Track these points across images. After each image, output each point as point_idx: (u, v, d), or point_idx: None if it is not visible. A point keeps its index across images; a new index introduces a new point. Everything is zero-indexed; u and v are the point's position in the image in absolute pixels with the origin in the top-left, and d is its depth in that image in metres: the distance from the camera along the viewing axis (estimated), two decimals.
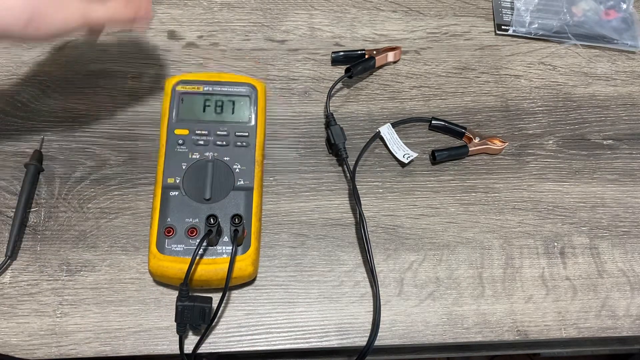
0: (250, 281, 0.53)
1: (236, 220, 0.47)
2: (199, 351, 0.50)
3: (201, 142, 0.53)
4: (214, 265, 0.49)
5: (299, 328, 0.51)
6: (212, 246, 0.50)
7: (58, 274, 0.52)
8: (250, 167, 0.53)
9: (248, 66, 0.63)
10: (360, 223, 0.54)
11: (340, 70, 0.64)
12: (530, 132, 0.63)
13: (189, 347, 0.49)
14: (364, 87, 0.64)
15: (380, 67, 0.64)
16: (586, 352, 0.91)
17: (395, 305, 0.53)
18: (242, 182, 0.52)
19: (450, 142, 0.61)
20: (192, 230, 0.50)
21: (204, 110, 0.55)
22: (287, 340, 0.51)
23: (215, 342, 0.50)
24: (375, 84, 0.64)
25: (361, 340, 0.51)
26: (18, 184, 0.54)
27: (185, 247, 0.49)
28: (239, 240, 0.49)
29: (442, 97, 0.63)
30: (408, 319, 0.53)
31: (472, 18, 0.69)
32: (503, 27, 0.68)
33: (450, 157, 0.60)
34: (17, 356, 0.49)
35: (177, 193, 0.51)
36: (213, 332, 0.51)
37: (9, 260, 0.51)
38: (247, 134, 0.54)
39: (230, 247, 0.49)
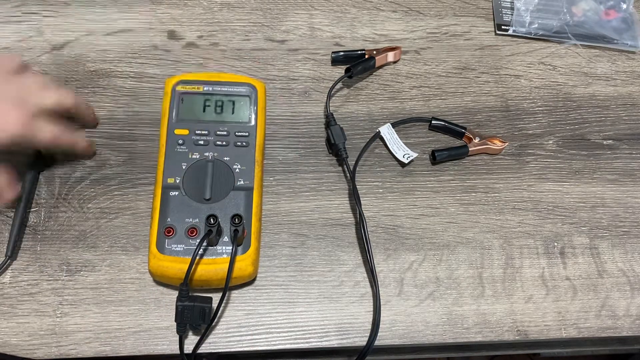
0: (250, 281, 0.53)
1: (236, 220, 0.47)
2: (199, 351, 0.50)
3: (201, 142, 0.53)
4: (214, 265, 0.49)
5: (299, 328, 0.51)
6: (212, 246, 0.50)
7: (58, 274, 0.52)
8: (250, 167, 0.53)
9: (248, 66, 0.63)
10: (360, 223, 0.54)
11: (340, 70, 0.64)
12: (530, 132, 0.63)
13: (189, 347, 0.49)
14: (364, 87, 0.64)
15: (380, 67, 0.65)
16: (586, 352, 0.91)
17: (395, 305, 0.53)
18: (242, 182, 0.52)
19: (450, 142, 0.61)
20: (192, 230, 0.50)
21: (204, 110, 0.55)
22: (287, 340, 0.51)
23: (215, 342, 0.50)
24: (375, 84, 0.64)
25: (361, 340, 0.51)
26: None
27: (185, 247, 0.49)
28: (239, 240, 0.49)
29: (442, 97, 0.63)
30: (408, 319, 0.53)
31: (472, 18, 0.69)
32: (503, 27, 0.68)
33: (450, 157, 0.60)
34: (17, 356, 0.49)
35: (177, 193, 0.51)
36: (213, 332, 0.51)
37: (9, 260, 0.51)
38: (247, 134, 0.54)
39: (230, 247, 0.49)
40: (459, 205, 0.58)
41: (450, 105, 0.63)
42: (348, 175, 0.57)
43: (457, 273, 0.55)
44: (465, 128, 0.60)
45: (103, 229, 0.54)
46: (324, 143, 0.60)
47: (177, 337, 0.49)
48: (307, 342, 0.51)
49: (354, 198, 0.55)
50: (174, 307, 0.48)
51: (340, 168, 0.59)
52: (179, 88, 0.55)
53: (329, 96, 0.60)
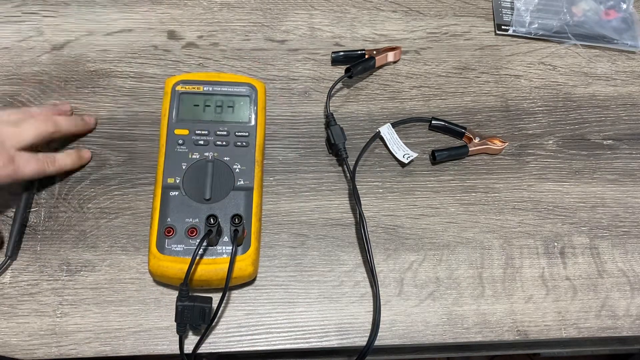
0: (250, 281, 0.53)
1: (236, 220, 0.47)
2: (199, 351, 0.50)
3: (201, 142, 0.53)
4: (214, 265, 0.49)
5: (299, 328, 0.51)
6: (212, 246, 0.50)
7: (58, 274, 0.52)
8: (250, 167, 0.53)
9: (248, 66, 0.63)
10: (360, 223, 0.54)
11: (340, 70, 0.64)
12: (530, 132, 0.63)
13: (189, 347, 0.49)
14: (364, 87, 0.64)
15: (380, 67, 0.65)
16: (586, 352, 0.91)
17: (395, 305, 0.53)
18: (242, 182, 0.52)
19: (450, 142, 0.61)
20: (192, 230, 0.50)
21: (204, 110, 0.55)
22: (287, 340, 0.51)
23: (215, 342, 0.50)
24: (375, 84, 0.64)
25: (361, 340, 0.51)
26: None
27: (185, 247, 0.49)
28: (239, 240, 0.49)
29: (442, 97, 0.63)
30: (408, 319, 0.53)
31: (472, 18, 0.69)
32: (503, 27, 0.68)
33: (450, 157, 0.60)
34: (16, 356, 0.49)
35: (177, 193, 0.51)
36: (213, 332, 0.51)
37: (9, 260, 0.51)
38: (247, 134, 0.54)
39: (230, 247, 0.49)
40: (459, 205, 0.58)
41: (450, 105, 0.63)
42: (348, 175, 0.57)
43: (457, 273, 0.55)
44: (465, 128, 0.60)
45: (103, 229, 0.54)
46: (324, 143, 0.60)
47: (177, 337, 0.49)
48: (307, 342, 0.51)
49: (354, 198, 0.55)
50: (174, 307, 0.48)
51: (340, 168, 0.59)
52: (179, 88, 0.55)
53: (329, 96, 0.60)
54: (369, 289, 0.53)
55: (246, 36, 0.65)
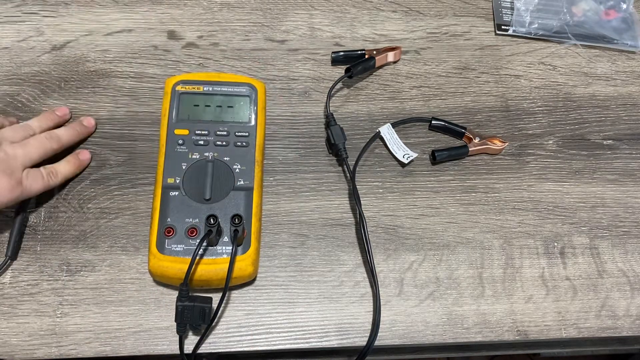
0: (250, 281, 0.53)
1: (236, 220, 0.47)
2: (199, 351, 0.50)
3: (201, 142, 0.53)
4: (214, 265, 0.49)
5: (299, 328, 0.51)
6: (212, 246, 0.50)
7: (58, 274, 0.52)
8: (250, 167, 0.53)
9: (248, 66, 0.63)
10: (360, 223, 0.54)
11: (340, 70, 0.64)
12: (530, 132, 0.63)
13: (189, 347, 0.49)
14: (364, 87, 0.64)
15: (380, 67, 0.64)
16: (586, 352, 0.91)
17: (395, 305, 0.53)
18: (242, 182, 0.52)
19: (450, 142, 0.61)
20: (192, 230, 0.50)
21: (204, 110, 0.55)
22: (287, 340, 0.51)
23: (215, 342, 0.50)
24: (375, 84, 0.64)
25: (361, 340, 0.51)
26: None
27: (185, 247, 0.49)
28: (239, 240, 0.49)
29: (442, 97, 0.63)
30: (408, 319, 0.53)
31: (472, 18, 0.69)
32: (503, 27, 0.68)
33: (450, 157, 0.60)
34: (16, 356, 0.49)
35: (177, 193, 0.51)
36: (213, 332, 0.51)
37: (9, 260, 0.51)
38: (247, 134, 0.54)
39: (230, 247, 0.49)
40: (459, 205, 0.58)
41: (450, 105, 0.63)
42: (348, 175, 0.57)
43: (457, 273, 0.55)
44: (465, 128, 0.60)
45: (103, 229, 0.54)
46: (324, 143, 0.60)
47: (177, 337, 0.49)
48: (307, 342, 0.51)
49: (354, 198, 0.55)
50: (174, 307, 0.48)
51: (340, 168, 0.59)
52: (179, 88, 0.55)
53: (329, 96, 0.60)
54: (369, 289, 0.53)
55: (246, 36, 0.65)
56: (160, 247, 0.49)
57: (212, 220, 0.47)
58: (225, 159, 0.53)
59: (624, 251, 0.57)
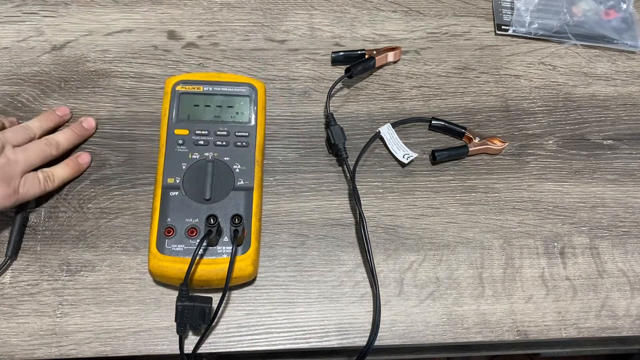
0: (250, 281, 0.53)
1: (236, 220, 0.47)
2: (199, 351, 0.50)
3: (201, 142, 0.53)
4: (214, 265, 0.49)
5: (299, 328, 0.51)
6: (212, 246, 0.50)
7: (58, 274, 0.52)
8: (250, 167, 0.53)
9: (248, 66, 0.63)
10: (360, 223, 0.54)
11: (340, 70, 0.64)
12: (530, 132, 0.63)
13: (189, 347, 0.49)
14: (364, 87, 0.64)
15: (380, 67, 0.65)
16: (586, 352, 0.91)
17: (395, 305, 0.53)
18: (242, 182, 0.52)
19: (450, 142, 0.61)
20: (192, 230, 0.50)
21: (204, 110, 0.55)
22: (287, 340, 0.51)
23: (215, 342, 0.50)
24: (375, 84, 0.64)
25: (361, 340, 0.51)
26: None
27: (185, 247, 0.49)
28: (239, 240, 0.49)
29: (442, 97, 0.63)
30: (408, 319, 0.53)
31: (472, 18, 0.69)
32: (503, 27, 0.68)
33: (450, 157, 0.60)
34: (16, 356, 0.49)
35: (177, 193, 0.51)
36: (213, 332, 0.51)
37: (9, 260, 0.51)
38: (247, 134, 0.54)
39: (230, 247, 0.49)
40: (459, 205, 0.58)
41: (450, 105, 0.63)
42: (348, 175, 0.57)
43: (457, 273, 0.55)
44: (465, 128, 0.60)
45: (103, 229, 0.54)
46: (324, 143, 0.60)
47: (177, 337, 0.49)
48: (307, 342, 0.51)
49: (354, 198, 0.55)
50: (174, 307, 0.48)
51: (340, 168, 0.59)
52: (179, 88, 0.55)
53: (329, 96, 0.60)
54: (369, 289, 0.53)
55: (246, 36, 0.65)
56: (160, 247, 0.49)
57: (212, 220, 0.47)
58: (225, 159, 0.53)
59: (624, 251, 0.57)
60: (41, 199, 0.54)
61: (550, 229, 0.58)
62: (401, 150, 0.58)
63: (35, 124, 0.55)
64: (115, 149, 0.58)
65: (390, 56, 0.64)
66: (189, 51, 0.63)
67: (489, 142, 0.60)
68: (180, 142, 0.53)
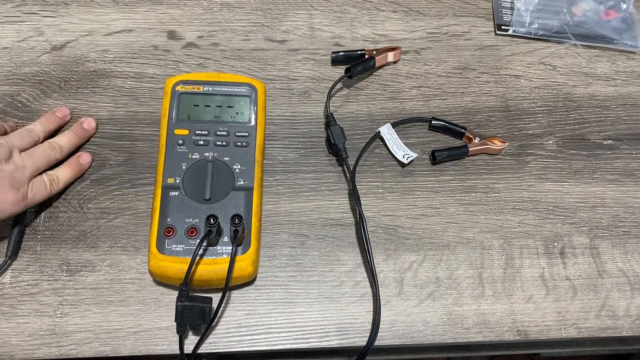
0: (250, 281, 0.53)
1: (236, 220, 0.47)
2: (199, 351, 0.50)
3: (201, 142, 0.53)
4: (214, 266, 0.49)
5: (299, 328, 0.51)
6: (212, 246, 0.50)
7: (58, 274, 0.52)
8: (250, 167, 0.53)
9: (248, 66, 0.63)
10: (360, 223, 0.54)
11: (340, 70, 0.64)
12: (530, 132, 0.63)
13: (189, 347, 0.49)
14: (364, 87, 0.64)
15: (380, 67, 0.64)
16: (586, 352, 0.91)
17: (395, 305, 0.53)
18: (242, 182, 0.52)
19: (450, 142, 0.61)
20: (192, 231, 0.50)
21: (204, 111, 0.55)
22: (287, 340, 0.51)
23: (215, 342, 0.50)
24: (375, 84, 0.64)
25: (361, 340, 0.51)
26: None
27: (185, 247, 0.49)
28: (239, 240, 0.49)
29: (442, 97, 0.63)
30: (408, 319, 0.53)
31: (472, 18, 0.69)
32: (503, 27, 0.68)
33: (450, 157, 0.60)
34: (17, 356, 0.49)
35: (177, 193, 0.51)
36: (213, 332, 0.51)
37: (9, 261, 0.51)
38: (247, 134, 0.54)
39: (230, 247, 0.49)
40: (459, 205, 0.58)
41: (450, 105, 0.63)
42: (348, 175, 0.57)
43: (457, 273, 0.55)
44: (465, 128, 0.60)
45: (103, 229, 0.54)
46: (324, 143, 0.60)
47: (177, 337, 0.49)
48: (307, 342, 0.51)
49: (354, 198, 0.55)
50: (174, 307, 0.48)
51: (340, 168, 0.59)
52: (179, 88, 0.55)
53: (329, 96, 0.60)
54: (369, 289, 0.53)
55: (246, 36, 0.65)
56: (160, 247, 0.49)
57: (212, 220, 0.47)
58: (225, 159, 0.53)
59: (624, 251, 0.57)
60: (43, 202, 0.54)
61: (550, 229, 0.58)
62: (401, 150, 0.58)
63: (38, 127, 0.55)
64: (115, 149, 0.58)
65: (390, 56, 0.64)
66: (189, 51, 0.63)
67: (489, 142, 0.60)
68: (180, 142, 0.53)
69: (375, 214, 0.57)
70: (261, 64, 0.63)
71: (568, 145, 0.62)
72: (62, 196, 0.55)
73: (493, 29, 0.68)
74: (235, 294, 0.52)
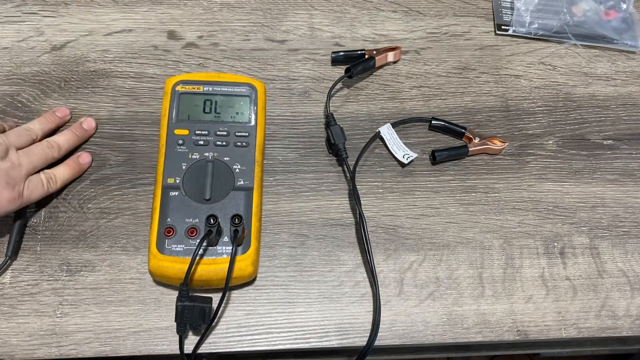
0: (250, 281, 0.53)
1: (236, 220, 0.47)
2: (199, 351, 0.50)
3: (201, 142, 0.53)
4: (214, 266, 0.49)
5: (299, 328, 0.51)
6: (212, 246, 0.50)
7: (58, 274, 0.52)
8: (250, 167, 0.53)
9: (248, 66, 0.63)
10: (360, 223, 0.54)
11: (340, 70, 0.64)
12: (530, 132, 0.63)
13: (189, 347, 0.49)
14: (364, 87, 0.64)
15: (380, 67, 0.64)
16: (586, 352, 0.91)
17: (395, 305, 0.53)
18: (242, 182, 0.52)
19: (450, 142, 0.61)
20: (192, 231, 0.50)
21: (204, 110, 0.55)
22: (287, 340, 0.51)
23: (215, 342, 0.50)
24: (375, 84, 0.64)
25: (361, 340, 0.51)
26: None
27: (185, 247, 0.49)
28: (239, 240, 0.49)
29: (442, 97, 0.63)
30: (408, 319, 0.53)
31: (472, 18, 0.69)
32: (503, 27, 0.68)
33: (450, 157, 0.60)
34: (17, 356, 0.49)
35: (177, 193, 0.51)
36: (213, 332, 0.51)
37: (9, 261, 0.51)
38: (247, 134, 0.54)
39: (230, 247, 0.49)
40: (459, 205, 0.58)
41: (450, 105, 0.63)
42: (348, 175, 0.57)
43: (457, 273, 0.55)
44: (465, 128, 0.60)
45: (103, 229, 0.54)
46: (324, 143, 0.60)
47: (177, 337, 0.49)
48: (307, 342, 0.51)
49: (354, 198, 0.55)
50: (174, 307, 0.48)
51: (340, 168, 0.59)
52: (179, 88, 0.55)
53: (329, 96, 0.60)
54: (369, 289, 0.53)
55: (246, 36, 0.65)
56: (160, 247, 0.49)
57: (212, 220, 0.47)
58: (225, 159, 0.53)
59: (624, 251, 0.57)
60: (42, 201, 0.54)
61: (550, 229, 0.58)
62: (401, 150, 0.58)
63: (37, 126, 0.55)
64: (115, 149, 0.58)
65: (390, 56, 0.64)
66: (189, 51, 0.63)
67: (489, 142, 0.60)
68: (180, 142, 0.53)
69: (375, 214, 0.57)
70: (261, 64, 0.63)
71: (568, 145, 0.62)
72: (62, 196, 0.55)
73: (493, 29, 0.68)
74: (235, 294, 0.52)
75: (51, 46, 0.62)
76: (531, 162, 0.61)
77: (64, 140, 0.55)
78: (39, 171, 0.52)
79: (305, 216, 0.56)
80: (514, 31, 0.68)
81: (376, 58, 0.62)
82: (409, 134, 0.61)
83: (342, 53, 0.64)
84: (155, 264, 0.49)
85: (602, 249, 0.57)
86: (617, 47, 0.68)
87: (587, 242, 0.57)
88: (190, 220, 0.50)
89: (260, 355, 0.63)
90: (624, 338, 0.63)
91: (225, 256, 0.49)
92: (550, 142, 0.62)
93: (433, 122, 0.61)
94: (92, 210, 0.55)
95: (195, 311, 0.48)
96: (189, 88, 0.55)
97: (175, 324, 0.48)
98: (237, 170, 0.52)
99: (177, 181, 0.52)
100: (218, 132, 0.54)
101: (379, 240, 0.56)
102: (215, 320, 0.50)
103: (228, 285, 0.48)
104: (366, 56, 0.63)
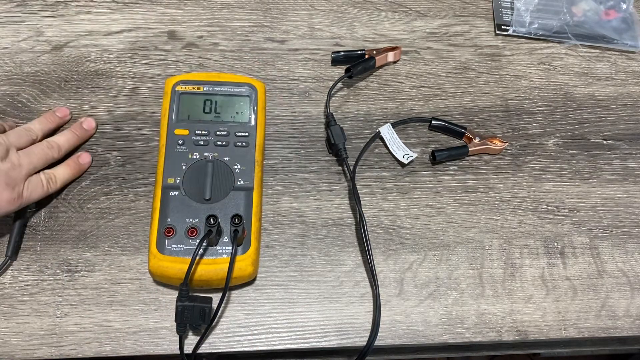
0: (250, 281, 0.53)
1: (236, 220, 0.47)
2: (199, 351, 0.50)
3: (201, 142, 0.53)
4: (214, 266, 0.49)
5: (299, 328, 0.51)
6: (212, 246, 0.50)
7: (58, 274, 0.52)
8: (250, 167, 0.53)
9: (248, 66, 0.63)
10: (360, 223, 0.54)
11: (340, 70, 0.64)
12: (530, 132, 0.63)
13: (189, 347, 0.49)
14: (364, 87, 0.64)
15: (380, 67, 0.65)
16: (586, 352, 0.91)
17: (395, 305, 0.53)
18: (242, 182, 0.52)
19: (450, 142, 0.61)
20: (192, 231, 0.50)
21: (204, 110, 0.55)
22: (287, 340, 0.51)
23: (215, 342, 0.50)
24: (375, 84, 0.64)
25: (361, 340, 0.51)
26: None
27: (185, 247, 0.49)
28: (239, 240, 0.49)
29: (442, 97, 0.63)
30: (408, 319, 0.53)
31: (472, 18, 0.69)
32: (503, 27, 0.68)
33: (450, 157, 0.60)
34: (17, 356, 0.49)
35: (177, 193, 0.51)
36: (213, 332, 0.51)
37: (9, 261, 0.51)
38: (247, 134, 0.54)
39: (230, 247, 0.49)
40: (459, 205, 0.58)
41: (450, 105, 0.63)
42: (348, 175, 0.57)
43: (457, 273, 0.55)
44: (465, 128, 0.60)
45: (103, 229, 0.54)
46: (324, 143, 0.60)
47: (177, 337, 0.49)
48: (307, 342, 0.51)
49: (354, 198, 0.55)
50: (174, 307, 0.48)
51: (340, 168, 0.59)
52: (179, 88, 0.55)
53: (329, 96, 0.60)
54: (369, 289, 0.53)
55: (246, 36, 0.65)
56: (160, 247, 0.49)
57: (212, 220, 0.47)
58: (225, 159, 0.53)
59: (624, 251, 0.57)
60: (42, 201, 0.54)
61: (550, 229, 0.58)
62: (401, 150, 0.58)
63: (37, 126, 0.55)
64: (115, 149, 0.58)
65: (390, 56, 0.64)
66: (189, 51, 0.63)
67: (489, 142, 0.60)
68: (180, 142, 0.53)
69: (375, 214, 0.57)
70: (261, 64, 0.63)
71: (568, 145, 0.62)
72: (62, 196, 0.55)
73: (493, 29, 0.68)
74: (235, 294, 0.52)
75: (51, 46, 0.62)
76: (531, 162, 0.61)
77: (64, 140, 0.55)
78: (39, 171, 0.52)
79: (305, 216, 0.56)
80: (514, 31, 0.68)
81: (376, 58, 0.62)
82: (409, 134, 0.61)
83: (342, 53, 0.64)
84: (155, 264, 0.49)
85: (602, 249, 0.57)
86: (617, 47, 0.68)
87: (587, 242, 0.57)
88: (190, 220, 0.50)
89: (260, 355, 0.63)
90: (624, 338, 0.63)
91: (225, 256, 0.49)
92: (550, 142, 0.62)
93: (433, 122, 0.61)
94: (92, 210, 0.55)
95: (195, 311, 0.48)
96: (189, 88, 0.55)
97: (175, 324, 0.48)
98: (237, 170, 0.52)
99: (177, 181, 0.52)
100: (218, 132, 0.54)
101: (379, 240, 0.56)
102: (215, 320, 0.50)
103: (228, 285, 0.48)
104: (366, 56, 0.63)
